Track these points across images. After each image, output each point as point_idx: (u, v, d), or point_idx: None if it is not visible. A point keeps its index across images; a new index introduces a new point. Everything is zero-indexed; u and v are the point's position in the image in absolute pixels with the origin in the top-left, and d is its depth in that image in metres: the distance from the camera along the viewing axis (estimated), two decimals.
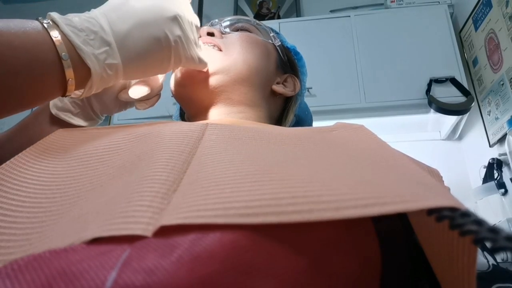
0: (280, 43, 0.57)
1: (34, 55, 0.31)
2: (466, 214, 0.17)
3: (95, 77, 0.35)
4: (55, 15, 0.34)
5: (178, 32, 0.39)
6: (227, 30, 0.55)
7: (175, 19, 0.38)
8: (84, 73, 0.34)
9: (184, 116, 0.61)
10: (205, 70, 0.47)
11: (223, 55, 0.49)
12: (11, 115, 0.34)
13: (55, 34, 0.32)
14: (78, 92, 0.37)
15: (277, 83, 0.55)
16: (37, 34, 0.32)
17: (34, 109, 0.43)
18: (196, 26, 0.42)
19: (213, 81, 0.47)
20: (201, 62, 0.44)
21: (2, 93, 0.30)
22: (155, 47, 0.37)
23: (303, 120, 0.63)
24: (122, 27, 0.36)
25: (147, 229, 0.19)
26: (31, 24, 0.32)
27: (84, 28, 0.34)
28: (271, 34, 0.57)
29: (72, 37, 0.33)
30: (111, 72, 0.36)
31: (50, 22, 0.33)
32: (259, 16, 2.10)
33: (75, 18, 0.35)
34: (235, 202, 0.19)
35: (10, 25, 0.31)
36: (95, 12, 0.36)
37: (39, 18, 0.34)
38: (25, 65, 0.31)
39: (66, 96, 0.36)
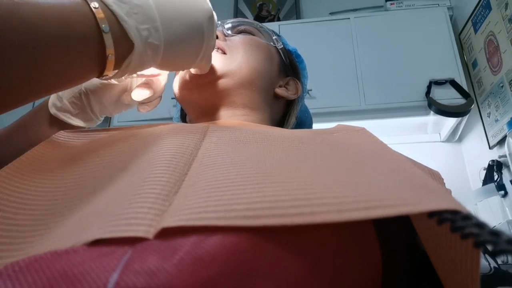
0: (282, 46, 0.57)
1: (70, 26, 0.27)
2: (467, 217, 0.17)
3: (136, 55, 0.31)
4: None
5: (211, 29, 0.39)
6: (230, 32, 0.55)
7: (212, 17, 0.39)
8: (123, 49, 0.31)
9: (185, 118, 0.61)
10: (204, 73, 0.46)
11: (228, 58, 0.49)
12: (39, 99, 0.31)
13: (94, 4, 0.29)
14: (110, 75, 0.33)
15: (280, 86, 0.55)
16: (74, 3, 0.28)
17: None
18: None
19: (218, 84, 0.47)
20: (209, 65, 0.44)
21: (32, 70, 0.26)
22: (195, 37, 0.37)
23: (303, 121, 0.63)
24: (167, 9, 0.33)
25: (148, 231, 0.19)
26: None
27: (127, 0, 0.31)
28: (273, 37, 0.57)
29: (113, 7, 0.29)
30: (150, 53, 0.33)
31: None
32: (259, 18, 2.10)
33: None
34: (236, 205, 0.19)
35: None
36: None
37: None
38: (58, 37, 0.27)
39: (102, 77, 0.32)
